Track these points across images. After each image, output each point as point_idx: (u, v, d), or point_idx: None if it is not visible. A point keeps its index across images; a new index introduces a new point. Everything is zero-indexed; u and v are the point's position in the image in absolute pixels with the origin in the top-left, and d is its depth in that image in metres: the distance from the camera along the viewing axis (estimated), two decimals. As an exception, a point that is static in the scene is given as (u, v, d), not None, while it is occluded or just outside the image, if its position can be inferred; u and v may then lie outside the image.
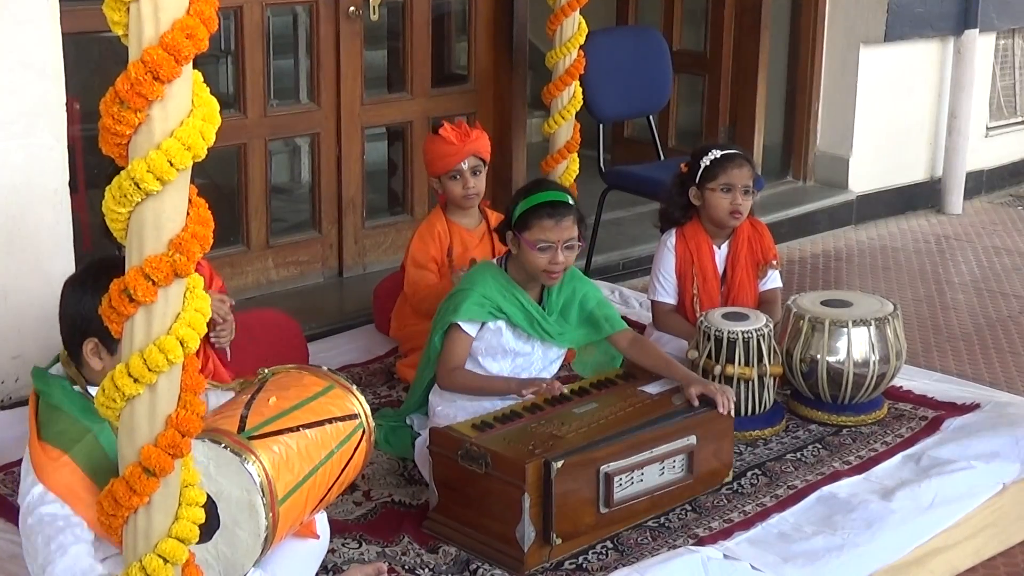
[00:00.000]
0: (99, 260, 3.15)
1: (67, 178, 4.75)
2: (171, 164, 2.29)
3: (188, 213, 2.38)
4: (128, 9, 2.29)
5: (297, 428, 3.12)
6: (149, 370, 2.35)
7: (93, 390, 2.87)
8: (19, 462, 4.11)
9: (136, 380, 2.36)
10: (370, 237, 6.20)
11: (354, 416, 3.32)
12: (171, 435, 2.39)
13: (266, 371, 3.34)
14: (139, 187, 2.29)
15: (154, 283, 2.33)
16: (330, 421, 3.23)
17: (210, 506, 2.92)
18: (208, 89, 2.39)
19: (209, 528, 2.90)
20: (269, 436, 3.04)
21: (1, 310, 4.59)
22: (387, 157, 7.05)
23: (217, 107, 2.38)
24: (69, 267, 4.75)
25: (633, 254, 6.63)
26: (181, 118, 2.33)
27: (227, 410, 3.14)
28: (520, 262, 4.23)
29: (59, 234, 4.75)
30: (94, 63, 6.04)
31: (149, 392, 2.39)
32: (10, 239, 4.58)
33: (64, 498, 2.86)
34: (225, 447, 2.93)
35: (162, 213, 2.34)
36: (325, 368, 3.39)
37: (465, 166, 4.92)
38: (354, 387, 3.37)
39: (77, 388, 3.00)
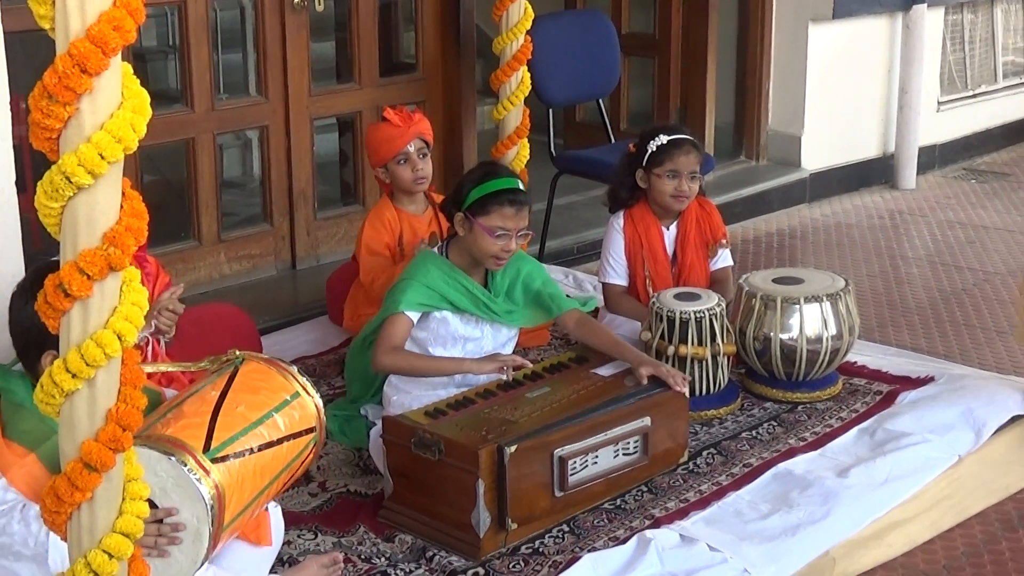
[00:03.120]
0: (44, 266, 3.11)
1: (13, 177, 4.69)
2: (102, 157, 2.26)
3: (122, 206, 2.35)
4: (54, 2, 2.27)
5: (258, 448, 3.11)
6: (87, 365, 2.32)
7: None
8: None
9: (74, 375, 2.33)
10: (322, 228, 6.18)
11: (311, 430, 3.30)
12: (112, 430, 2.37)
13: (237, 355, 3.31)
14: (70, 181, 2.26)
15: (89, 277, 2.30)
16: (289, 438, 3.22)
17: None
18: (138, 81, 2.36)
19: None
20: (231, 458, 3.03)
21: (-52, 311, 4.54)
22: (338, 148, 7.03)
23: (148, 99, 2.35)
24: (18, 267, 4.70)
25: (587, 238, 6.63)
26: (111, 110, 2.30)
27: (194, 412, 3.10)
28: (467, 245, 4.22)
29: (7, 234, 4.69)
30: (41, 62, 5.99)
31: (88, 387, 2.36)
32: (-44, 240, 4.54)
33: (27, 495, 2.87)
34: (189, 470, 2.91)
35: (95, 207, 2.31)
36: (295, 368, 3.36)
37: (412, 149, 4.92)
38: (316, 395, 3.34)
39: None
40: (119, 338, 2.34)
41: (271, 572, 3.44)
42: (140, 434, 3.01)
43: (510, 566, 3.64)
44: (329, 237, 6.19)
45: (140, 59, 7.10)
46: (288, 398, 3.26)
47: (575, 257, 6.55)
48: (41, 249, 5.09)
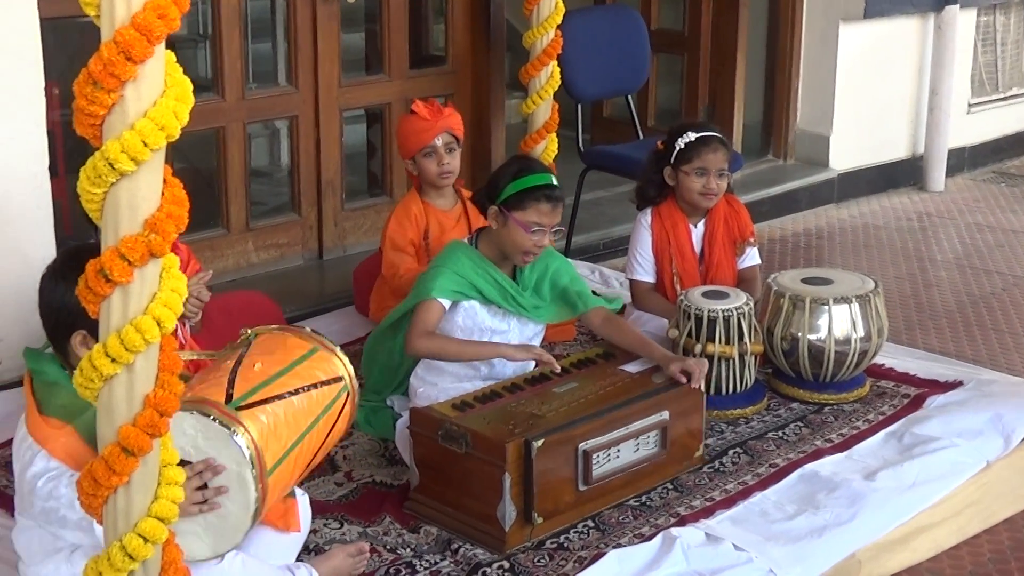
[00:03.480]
0: (74, 249, 3.15)
1: (47, 162, 4.74)
2: (145, 144, 2.28)
3: (163, 193, 2.37)
4: (100, -11, 2.29)
5: (284, 395, 3.10)
6: (126, 350, 2.35)
7: None
8: (3, 445, 4.14)
9: (114, 360, 2.36)
10: (350, 219, 6.19)
11: (339, 379, 3.29)
12: (149, 415, 2.39)
13: (249, 331, 3.32)
14: (113, 168, 2.29)
15: (130, 263, 2.33)
16: (316, 386, 3.21)
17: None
18: (181, 69, 2.38)
19: None
20: (256, 405, 3.03)
21: (-19, 294, 4.59)
22: (366, 139, 7.04)
23: (190, 87, 2.37)
24: (50, 251, 4.74)
25: (613, 234, 6.63)
26: (154, 98, 2.32)
27: (213, 377, 3.12)
28: (499, 239, 4.22)
29: (40, 218, 4.74)
30: (73, 48, 6.02)
31: (127, 372, 2.39)
32: (-10, 223, 4.58)
33: (69, 465, 2.90)
34: (214, 419, 2.91)
35: (137, 193, 2.34)
36: (309, 329, 3.37)
37: (439, 143, 4.91)
38: (337, 348, 3.35)
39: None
40: (158, 324, 2.36)
41: (297, 560, 3.46)
42: None
43: (535, 560, 3.64)
44: (356, 228, 6.20)
45: (170, 47, 7.11)
46: (306, 353, 3.26)
47: (601, 253, 6.54)
48: (72, 235, 5.14)
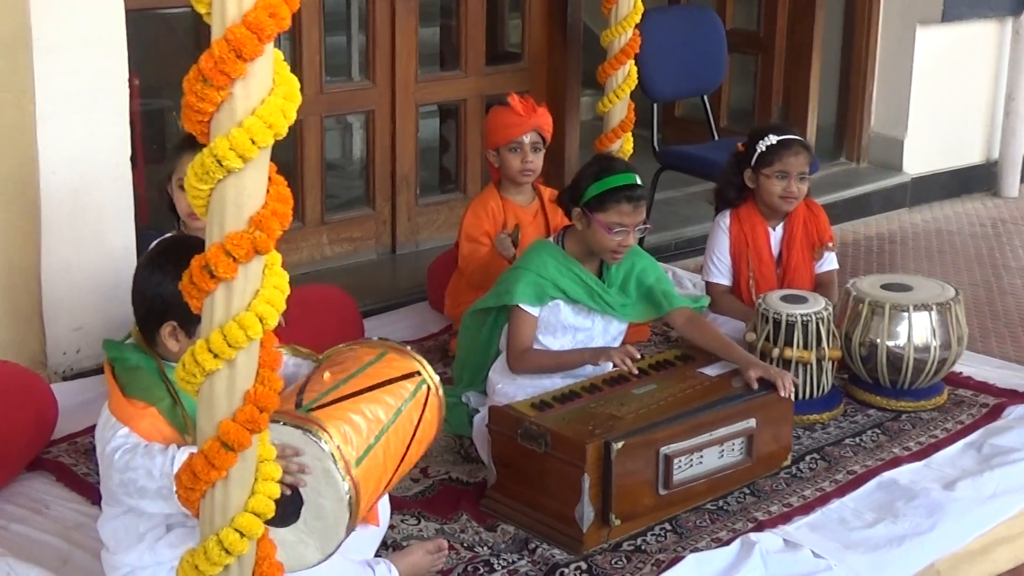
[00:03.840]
0: (174, 240, 3.18)
1: (128, 153, 4.77)
2: (253, 142, 2.30)
3: (268, 191, 2.39)
4: (213, -12, 2.30)
5: (356, 393, 3.10)
6: (229, 346, 2.37)
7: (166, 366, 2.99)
8: (84, 432, 4.18)
9: (216, 356, 2.38)
10: (423, 214, 6.21)
11: (415, 373, 3.29)
12: (249, 410, 2.41)
13: (319, 357, 3.34)
14: (221, 164, 2.30)
15: (235, 260, 2.35)
16: (390, 382, 3.21)
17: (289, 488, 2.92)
18: (288, 67, 2.39)
19: (295, 507, 2.90)
20: (328, 406, 3.03)
21: (63, 283, 4.62)
22: (438, 134, 7.05)
23: (298, 85, 2.38)
24: (129, 241, 4.78)
25: (686, 234, 6.61)
26: (262, 96, 2.33)
27: (284, 394, 3.13)
28: (585, 239, 4.21)
29: (120, 208, 4.78)
30: (149, 40, 6.08)
31: (228, 368, 2.41)
32: (73, 213, 4.61)
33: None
34: (284, 423, 2.92)
35: (243, 190, 2.36)
36: (376, 337, 3.38)
37: (527, 140, 4.89)
38: (408, 348, 3.36)
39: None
40: (260, 321, 2.38)
41: (376, 555, 3.47)
42: None
43: (612, 562, 3.63)
44: (429, 223, 6.22)
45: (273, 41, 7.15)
46: (375, 357, 3.27)
47: (673, 253, 6.52)
48: (148, 225, 5.16)
